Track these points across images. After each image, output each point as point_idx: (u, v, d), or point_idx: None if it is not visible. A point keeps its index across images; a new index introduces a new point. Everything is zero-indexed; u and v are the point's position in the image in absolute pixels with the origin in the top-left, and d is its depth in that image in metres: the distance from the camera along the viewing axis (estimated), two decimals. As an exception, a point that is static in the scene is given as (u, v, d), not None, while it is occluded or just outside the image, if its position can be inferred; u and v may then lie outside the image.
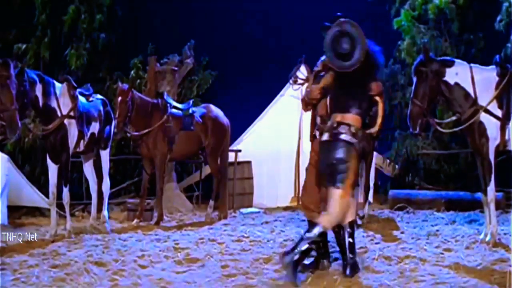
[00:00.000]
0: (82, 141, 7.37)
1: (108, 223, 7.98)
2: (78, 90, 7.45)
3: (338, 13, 5.43)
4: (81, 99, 7.45)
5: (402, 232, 7.60)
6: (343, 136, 5.10)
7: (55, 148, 7.08)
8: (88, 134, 7.48)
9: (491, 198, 6.58)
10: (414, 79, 6.63)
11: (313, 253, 5.41)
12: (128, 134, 8.87)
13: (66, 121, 7.08)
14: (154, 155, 8.86)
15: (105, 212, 7.99)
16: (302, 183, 5.95)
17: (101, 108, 7.89)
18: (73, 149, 7.30)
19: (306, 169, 5.58)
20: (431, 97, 6.56)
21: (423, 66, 6.55)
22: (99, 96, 8.14)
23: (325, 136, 5.21)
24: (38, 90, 6.85)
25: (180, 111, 9.16)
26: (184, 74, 11.61)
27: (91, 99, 7.70)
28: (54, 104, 7.02)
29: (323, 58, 5.59)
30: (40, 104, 6.89)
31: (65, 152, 7.11)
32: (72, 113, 7.14)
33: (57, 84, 7.22)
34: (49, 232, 7.11)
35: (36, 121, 8.45)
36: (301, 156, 11.13)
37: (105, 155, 8.08)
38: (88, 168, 8.06)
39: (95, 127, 7.64)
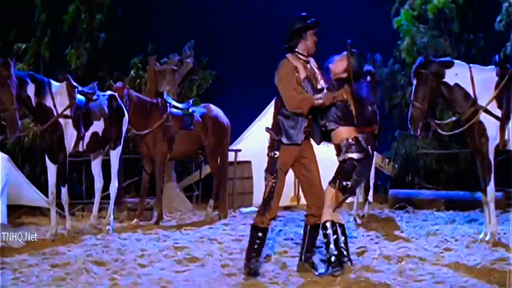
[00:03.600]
0: (81, 141, 7.31)
1: (112, 226, 7.79)
2: (81, 89, 7.38)
3: (303, 13, 5.45)
4: (81, 98, 7.34)
5: (402, 232, 7.61)
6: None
7: (51, 148, 7.06)
8: (89, 133, 7.42)
9: (491, 197, 6.59)
10: (414, 82, 6.64)
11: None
12: (129, 134, 8.86)
13: (62, 121, 7.03)
14: (154, 155, 8.86)
15: (111, 217, 7.85)
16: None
17: (106, 106, 7.75)
18: (72, 149, 7.25)
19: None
20: (431, 99, 6.57)
21: (422, 68, 6.56)
22: (108, 93, 8.07)
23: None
24: (30, 90, 6.80)
25: (180, 111, 9.16)
26: (184, 74, 11.61)
27: (94, 97, 7.57)
28: (49, 103, 6.97)
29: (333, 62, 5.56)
30: (33, 103, 6.86)
31: (62, 152, 7.05)
32: (68, 113, 7.08)
33: (54, 83, 7.16)
34: (49, 232, 7.09)
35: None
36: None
37: (114, 155, 7.96)
38: (95, 167, 7.97)
39: (98, 126, 7.55)
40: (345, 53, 5.40)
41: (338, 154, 5.30)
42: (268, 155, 5.30)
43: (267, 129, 5.37)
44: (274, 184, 5.23)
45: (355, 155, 5.21)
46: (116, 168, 8.05)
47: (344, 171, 5.24)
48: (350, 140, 5.23)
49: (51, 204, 7.15)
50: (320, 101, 5.16)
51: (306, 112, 5.21)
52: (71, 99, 7.14)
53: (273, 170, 5.24)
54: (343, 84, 5.28)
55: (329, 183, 5.30)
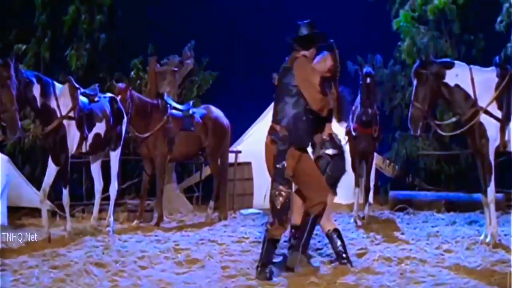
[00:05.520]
0: (84, 142, 7.32)
1: (112, 228, 7.76)
2: (83, 91, 7.40)
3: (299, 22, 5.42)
4: (84, 99, 7.36)
5: (402, 233, 7.61)
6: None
7: (54, 149, 7.06)
8: (91, 135, 7.43)
9: (491, 199, 6.59)
10: (414, 82, 6.64)
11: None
12: (131, 135, 8.86)
13: (65, 122, 7.03)
14: (154, 156, 8.86)
15: (111, 218, 7.84)
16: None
17: (108, 107, 7.76)
18: (75, 150, 7.26)
19: None
20: (431, 100, 6.58)
21: (423, 68, 6.56)
22: (108, 94, 8.09)
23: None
24: (36, 90, 6.81)
25: (180, 112, 9.16)
26: (184, 75, 11.61)
27: (96, 99, 7.59)
28: (53, 104, 6.98)
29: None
30: (38, 104, 6.87)
31: (64, 153, 7.05)
32: (71, 114, 7.08)
33: (58, 85, 7.18)
34: (43, 231, 7.05)
35: (36, 122, 8.45)
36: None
37: (114, 156, 7.96)
38: (95, 169, 7.96)
39: (100, 128, 7.56)
40: (326, 53, 5.51)
41: (313, 151, 5.56)
42: (274, 167, 5.17)
43: (274, 138, 5.20)
44: (289, 194, 5.16)
45: (329, 151, 5.50)
46: (116, 169, 8.05)
47: (318, 166, 5.49)
48: (324, 137, 5.51)
49: (42, 201, 7.11)
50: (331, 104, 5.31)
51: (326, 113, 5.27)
52: (74, 100, 7.15)
53: (284, 181, 5.14)
54: (330, 85, 5.42)
55: None
